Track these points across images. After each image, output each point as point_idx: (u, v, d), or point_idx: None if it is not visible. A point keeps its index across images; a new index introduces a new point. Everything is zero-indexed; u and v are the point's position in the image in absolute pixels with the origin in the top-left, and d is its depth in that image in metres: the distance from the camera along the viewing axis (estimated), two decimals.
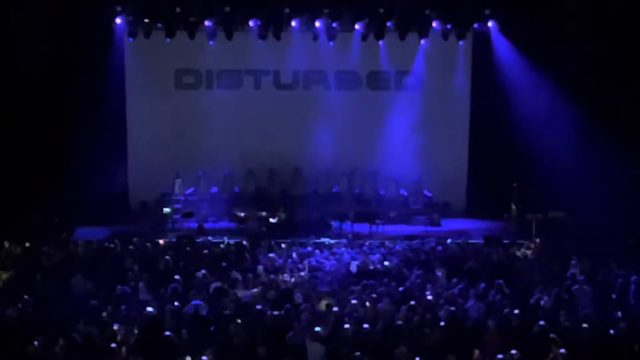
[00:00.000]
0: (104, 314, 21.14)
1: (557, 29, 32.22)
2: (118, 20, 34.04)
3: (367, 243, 29.30)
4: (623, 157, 30.85)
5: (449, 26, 34.22)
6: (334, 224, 32.48)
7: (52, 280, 24.00)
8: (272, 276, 24.62)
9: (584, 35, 32.03)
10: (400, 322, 20.46)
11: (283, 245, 28.69)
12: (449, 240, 29.54)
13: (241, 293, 22.90)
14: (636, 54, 31.47)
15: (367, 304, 21.97)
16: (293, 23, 33.99)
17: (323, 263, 26.13)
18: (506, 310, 21.33)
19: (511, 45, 34.01)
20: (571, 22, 32.10)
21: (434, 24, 34.02)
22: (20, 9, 32.23)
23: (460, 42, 34.93)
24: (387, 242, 29.42)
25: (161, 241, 29.34)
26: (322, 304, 21.97)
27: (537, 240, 29.63)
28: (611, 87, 31.72)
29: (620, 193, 30.84)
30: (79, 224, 31.91)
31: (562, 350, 18.79)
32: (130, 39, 34.61)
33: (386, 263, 25.92)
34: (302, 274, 25.06)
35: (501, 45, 34.41)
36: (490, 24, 34.22)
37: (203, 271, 24.48)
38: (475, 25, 34.46)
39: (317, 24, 34.02)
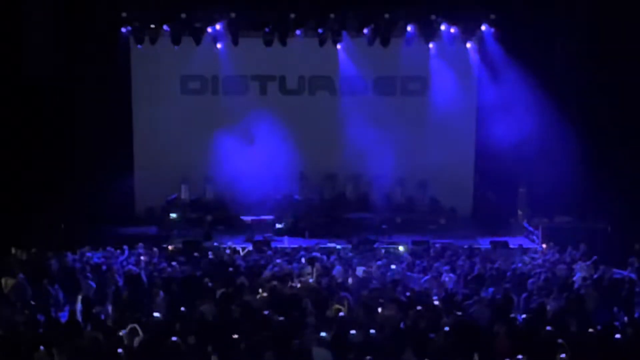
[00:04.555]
0: (110, 319, 21.19)
1: (559, 33, 32.32)
2: (124, 27, 34.09)
3: (373, 248, 29.30)
4: (630, 162, 30.85)
5: (455, 30, 34.20)
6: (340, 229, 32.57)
7: (58, 287, 24.15)
8: (278, 282, 24.59)
9: (587, 39, 32.07)
10: (406, 328, 20.46)
11: (290, 251, 28.73)
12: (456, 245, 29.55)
13: (248, 298, 22.89)
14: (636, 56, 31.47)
15: (374, 309, 21.99)
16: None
17: (330, 268, 26.12)
18: (513, 315, 21.32)
19: (514, 49, 33.95)
20: (572, 26, 32.20)
21: (442, 27, 34.04)
22: (28, 15, 32.33)
23: (467, 46, 34.97)
24: (393, 247, 29.41)
25: (170, 247, 29.33)
26: (334, 308, 21.93)
27: (544, 245, 29.61)
28: (616, 91, 31.72)
29: (627, 197, 30.78)
30: (86, 230, 31.91)
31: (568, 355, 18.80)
32: (138, 46, 34.63)
33: (393, 267, 25.88)
34: (310, 280, 25.03)
35: (507, 48, 34.41)
36: (493, 30, 34.22)
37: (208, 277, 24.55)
38: (482, 29, 34.38)
39: (321, 31, 34.12)
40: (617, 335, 20.05)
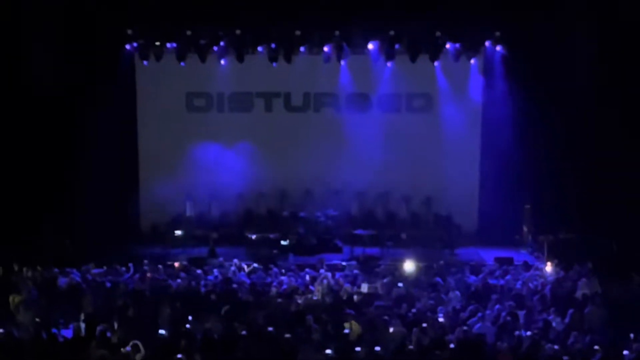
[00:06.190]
0: (115, 336, 21.17)
1: (564, 50, 32.35)
2: (129, 44, 34.22)
3: (379, 265, 29.29)
4: (636, 178, 30.82)
5: (459, 47, 34.20)
6: (345, 247, 32.61)
7: (63, 304, 24.15)
8: (283, 298, 24.60)
9: (592, 53, 32.07)
10: (411, 345, 20.43)
11: (294, 267, 28.73)
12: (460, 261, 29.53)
13: (254, 315, 22.88)
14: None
15: (379, 326, 21.97)
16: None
17: (335, 285, 26.10)
18: (518, 332, 21.28)
19: (519, 65, 33.94)
20: (578, 43, 32.23)
21: (447, 44, 34.08)
22: (34, 33, 32.45)
23: (471, 62, 35.00)
24: (398, 264, 29.37)
25: (176, 264, 29.33)
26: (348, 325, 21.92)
27: (549, 262, 29.55)
28: (624, 108, 31.71)
29: (632, 213, 30.71)
30: (91, 247, 31.91)
31: None
32: (144, 62, 34.74)
33: (400, 285, 25.86)
34: (315, 298, 25.01)
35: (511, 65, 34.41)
36: (498, 48, 34.27)
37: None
38: (487, 45, 34.43)
39: (326, 49, 34.21)
40: (625, 352, 20.01)
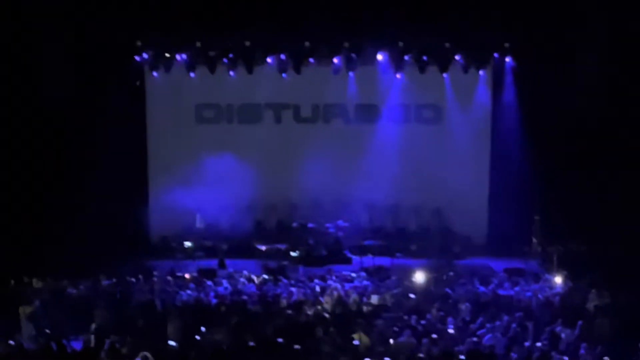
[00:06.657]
0: (124, 348, 21.18)
1: (573, 61, 32.37)
2: (139, 56, 34.32)
3: (388, 276, 29.27)
4: None
5: (469, 58, 34.26)
6: (355, 258, 32.61)
7: (73, 315, 24.18)
8: (293, 310, 24.60)
9: (601, 64, 32.06)
10: (421, 355, 20.41)
11: (304, 279, 28.73)
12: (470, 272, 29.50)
13: (263, 326, 22.88)
14: None
15: (388, 337, 21.97)
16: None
17: (345, 296, 26.10)
18: (527, 343, 21.25)
19: (528, 76, 33.96)
20: (586, 54, 32.25)
21: (456, 56, 34.15)
22: (43, 43, 32.55)
23: (480, 74, 35.04)
24: (409, 275, 29.36)
25: (186, 275, 29.35)
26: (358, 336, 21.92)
27: (558, 273, 29.50)
28: (630, 115, 31.67)
29: None
30: (100, 258, 31.95)
31: None
32: (154, 74, 34.87)
33: (410, 296, 25.85)
34: (324, 309, 24.98)
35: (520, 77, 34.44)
36: (507, 59, 34.33)
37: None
38: (495, 56, 34.47)
39: (335, 60, 34.30)
40: None
